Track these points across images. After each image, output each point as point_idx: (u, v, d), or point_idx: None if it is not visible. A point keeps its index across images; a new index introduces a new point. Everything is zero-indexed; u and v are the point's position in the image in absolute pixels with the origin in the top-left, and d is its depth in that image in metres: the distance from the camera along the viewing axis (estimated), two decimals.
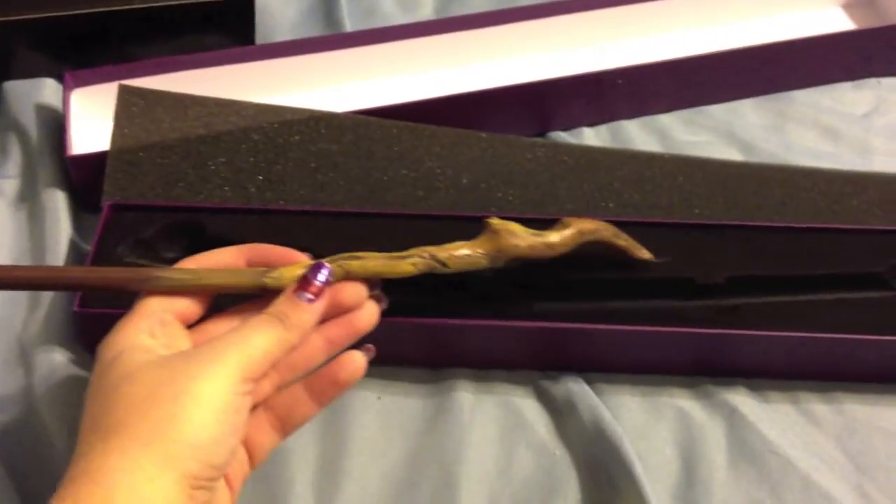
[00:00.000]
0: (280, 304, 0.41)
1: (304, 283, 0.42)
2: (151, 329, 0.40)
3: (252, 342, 0.39)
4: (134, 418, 0.36)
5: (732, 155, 0.73)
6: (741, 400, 0.55)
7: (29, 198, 0.65)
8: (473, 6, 0.85)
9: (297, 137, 0.63)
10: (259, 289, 0.42)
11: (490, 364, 0.56)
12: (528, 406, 0.55)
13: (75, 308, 0.52)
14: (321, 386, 0.44)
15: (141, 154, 0.61)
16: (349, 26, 0.82)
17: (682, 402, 0.55)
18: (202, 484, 0.36)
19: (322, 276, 0.42)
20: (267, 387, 0.44)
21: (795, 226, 0.60)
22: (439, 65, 0.76)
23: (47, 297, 0.58)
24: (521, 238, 0.49)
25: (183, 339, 0.41)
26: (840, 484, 0.52)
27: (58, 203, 0.63)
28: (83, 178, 0.63)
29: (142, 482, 0.34)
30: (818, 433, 0.55)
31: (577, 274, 0.55)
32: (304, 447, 0.53)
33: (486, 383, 0.56)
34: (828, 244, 0.59)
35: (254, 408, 0.42)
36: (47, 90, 0.71)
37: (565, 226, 0.51)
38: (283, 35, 0.82)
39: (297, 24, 0.84)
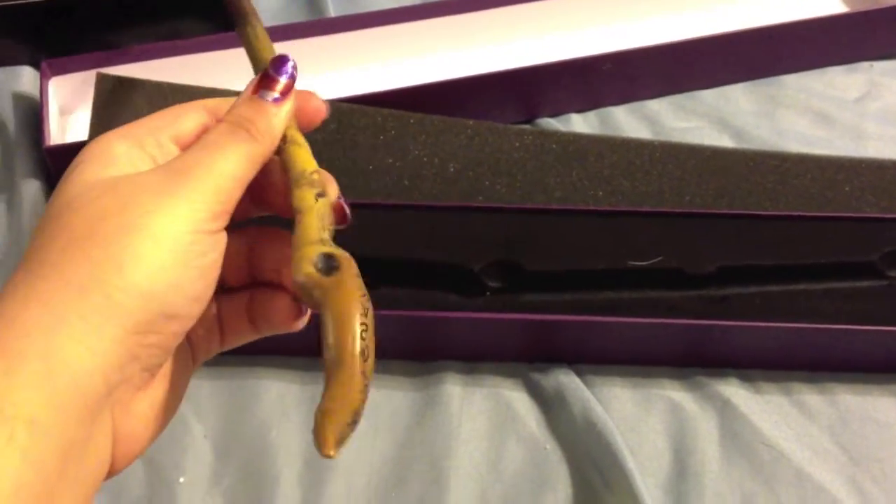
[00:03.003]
0: (241, 109, 0.33)
1: (265, 80, 0.34)
2: (140, 139, 0.32)
3: (218, 168, 0.31)
4: (70, 258, 0.28)
5: (724, 141, 0.72)
6: (733, 391, 0.54)
7: (7, 189, 0.64)
8: None
9: None
10: None
11: (479, 356, 0.55)
12: (517, 399, 0.54)
13: None
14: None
15: None
16: (332, 10, 0.81)
17: (673, 394, 0.55)
18: (152, 341, 0.29)
19: (288, 67, 0.34)
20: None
21: (787, 214, 0.59)
22: (425, 51, 0.75)
23: None
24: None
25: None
26: (833, 475, 0.52)
27: (36, 194, 0.62)
28: (61, 169, 0.61)
29: (65, 344, 0.27)
30: (811, 424, 0.54)
31: (566, 265, 0.55)
32: (289, 441, 0.52)
33: (475, 376, 0.55)
34: (820, 232, 0.58)
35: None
36: (24, 78, 0.70)
37: None
38: (265, 21, 0.79)
39: (280, 9, 0.82)
